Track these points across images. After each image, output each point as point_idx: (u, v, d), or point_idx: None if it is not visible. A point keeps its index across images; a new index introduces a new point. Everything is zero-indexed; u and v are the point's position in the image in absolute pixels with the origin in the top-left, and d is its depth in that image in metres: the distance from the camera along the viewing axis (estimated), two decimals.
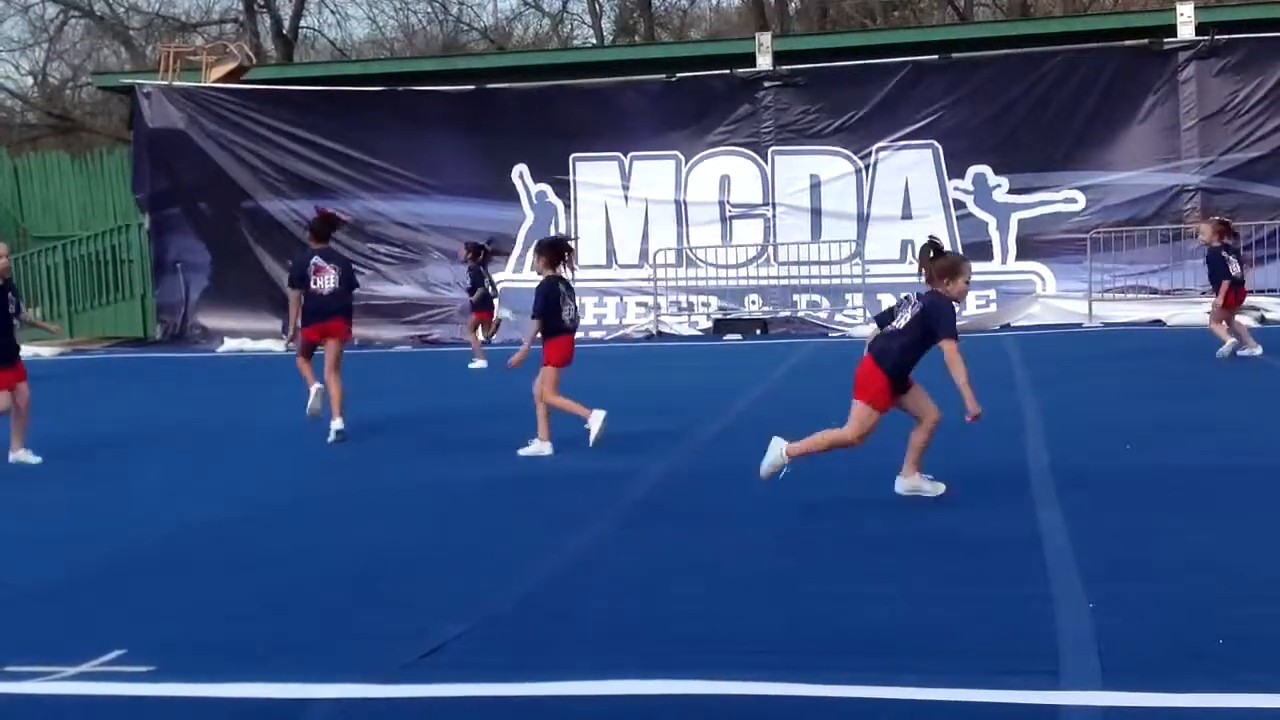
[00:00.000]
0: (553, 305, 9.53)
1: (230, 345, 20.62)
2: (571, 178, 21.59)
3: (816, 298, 20.81)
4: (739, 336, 19.56)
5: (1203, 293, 19.16)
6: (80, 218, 25.53)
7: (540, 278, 9.79)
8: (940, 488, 7.49)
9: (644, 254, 21.25)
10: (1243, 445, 8.93)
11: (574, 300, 9.83)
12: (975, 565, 6.03)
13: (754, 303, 20.95)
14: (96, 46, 44.54)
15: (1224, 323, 14.19)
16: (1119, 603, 5.31)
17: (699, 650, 4.95)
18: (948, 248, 8.17)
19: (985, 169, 20.39)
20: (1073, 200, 20.12)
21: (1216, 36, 19.61)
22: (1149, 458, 8.55)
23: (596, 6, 44.30)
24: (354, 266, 12.25)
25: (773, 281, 20.95)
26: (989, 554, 6.22)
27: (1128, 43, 20.14)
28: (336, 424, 10.67)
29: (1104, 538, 6.41)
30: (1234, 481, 7.69)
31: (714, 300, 21.09)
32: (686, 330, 20.66)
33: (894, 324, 7.46)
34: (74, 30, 44.13)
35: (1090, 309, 19.33)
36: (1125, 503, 7.25)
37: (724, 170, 21.26)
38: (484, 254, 17.48)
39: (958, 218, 20.46)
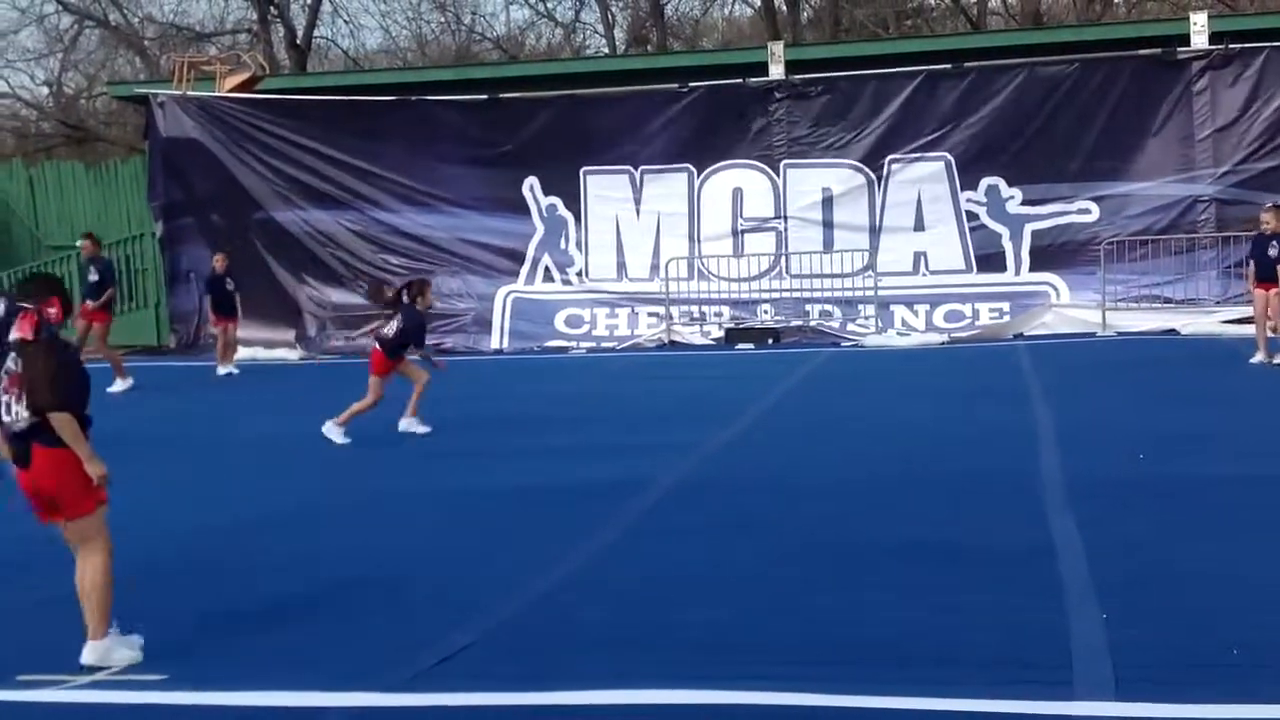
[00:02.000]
0: None
1: (243, 354, 20.64)
2: (582, 190, 21.58)
3: (829, 308, 20.77)
4: (751, 346, 19.55)
5: (1216, 302, 19.18)
6: (94, 227, 25.56)
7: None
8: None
9: (655, 267, 21.20)
10: (1257, 454, 8.90)
11: None
12: (988, 575, 6.02)
13: (766, 312, 20.92)
14: (111, 56, 44.67)
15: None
16: (1132, 613, 5.29)
17: (710, 660, 4.95)
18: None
19: (998, 180, 20.33)
20: (1087, 211, 20.04)
21: (1230, 46, 19.55)
22: (1163, 467, 8.52)
23: (609, 16, 44.34)
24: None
25: (785, 295, 20.91)
26: (1002, 564, 6.21)
27: (1141, 52, 20.08)
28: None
29: (1117, 548, 6.39)
30: (1248, 491, 7.67)
31: (726, 310, 21.06)
32: (699, 340, 20.64)
33: None
34: (89, 40, 44.28)
35: (1104, 318, 19.28)
36: (1139, 513, 7.23)
37: (736, 183, 21.23)
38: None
39: (970, 230, 20.41)
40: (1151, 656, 4.79)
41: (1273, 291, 14.43)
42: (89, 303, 16.58)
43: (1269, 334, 14.49)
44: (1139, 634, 5.03)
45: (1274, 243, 14.51)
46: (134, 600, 6.21)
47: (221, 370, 18.18)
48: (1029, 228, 20.24)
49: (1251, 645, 4.85)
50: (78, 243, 17.35)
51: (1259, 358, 14.32)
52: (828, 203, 20.87)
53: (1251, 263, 14.95)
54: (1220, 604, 5.40)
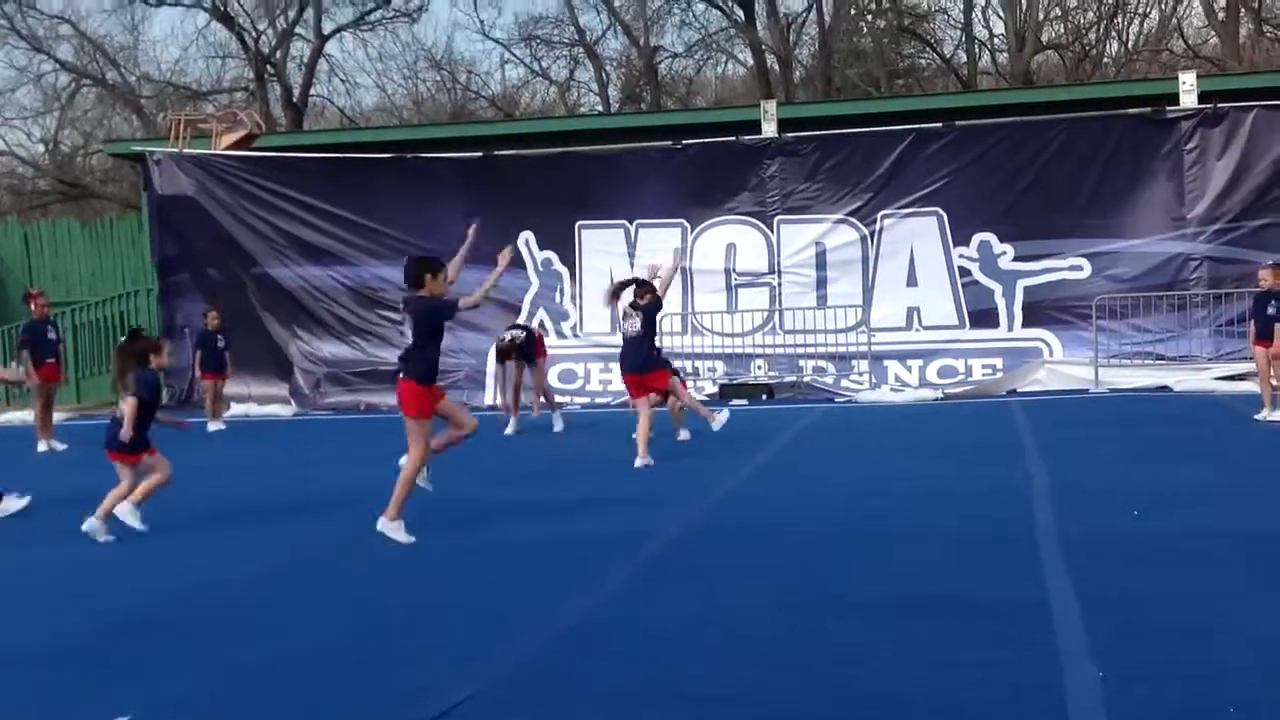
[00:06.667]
0: None
1: (236, 410, 20.66)
2: (578, 244, 21.69)
3: (823, 364, 20.82)
4: (745, 401, 19.57)
5: (1208, 359, 19.25)
6: (89, 283, 25.70)
7: None
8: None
9: None
10: (1251, 510, 8.91)
11: None
12: (984, 630, 6.01)
13: (760, 367, 20.97)
14: (108, 114, 44.97)
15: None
16: (1128, 669, 5.28)
17: (712, 713, 4.94)
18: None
19: (990, 236, 20.46)
20: (1079, 268, 20.16)
21: (1219, 105, 19.73)
22: (1157, 523, 8.52)
23: (603, 74, 44.72)
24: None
25: (778, 351, 20.97)
26: (997, 619, 6.20)
27: (1131, 111, 20.26)
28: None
29: (1112, 603, 6.39)
30: (1242, 547, 7.67)
31: (720, 365, 21.10)
32: (692, 394, 20.63)
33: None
34: (85, 98, 44.59)
35: (1096, 375, 19.34)
36: (1133, 568, 7.23)
37: (730, 238, 21.34)
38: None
39: (963, 285, 20.51)
40: (1147, 713, 4.78)
41: (1272, 349, 14.47)
42: (50, 361, 16.64)
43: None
44: (1134, 691, 5.02)
45: (1274, 301, 14.55)
46: (130, 653, 6.20)
47: (211, 427, 18.25)
48: (1021, 284, 20.35)
49: (1249, 703, 4.84)
50: (33, 302, 17.10)
51: (1265, 414, 14.36)
52: (821, 258, 20.97)
53: (1252, 321, 14.99)
54: (1216, 661, 5.39)
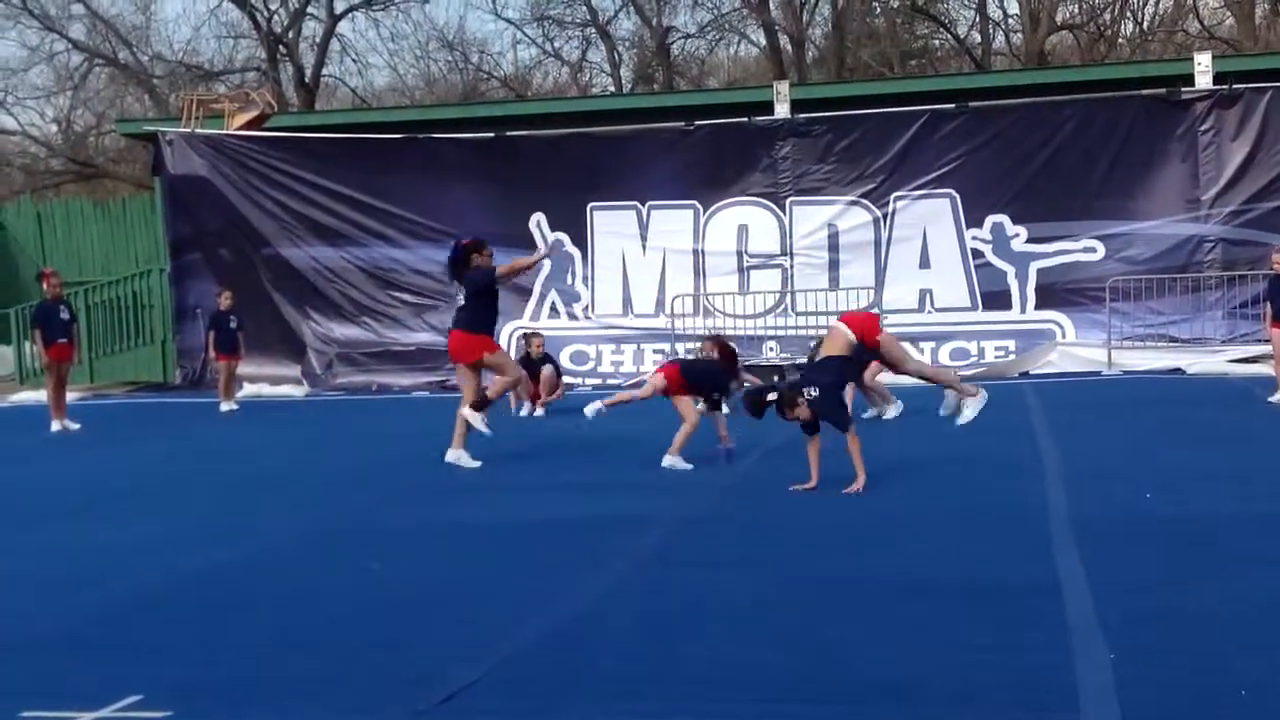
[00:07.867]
0: None
1: (249, 390, 20.68)
2: (589, 225, 21.65)
3: None
4: (757, 383, 19.51)
5: (1222, 341, 19.18)
6: (102, 263, 25.73)
7: None
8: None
9: (660, 303, 21.26)
10: (1263, 493, 8.87)
11: None
12: (993, 613, 5.98)
13: (772, 350, 20.93)
14: (120, 94, 44.95)
15: None
16: (1140, 652, 5.26)
17: (716, 697, 4.92)
18: None
19: (1003, 218, 20.38)
20: (1092, 250, 20.08)
21: (1235, 86, 19.61)
22: (1169, 506, 8.49)
23: (615, 55, 44.58)
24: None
25: (791, 332, 20.92)
26: (1007, 602, 6.18)
27: (1145, 92, 20.16)
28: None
29: (1124, 586, 6.36)
30: (1254, 529, 7.64)
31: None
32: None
33: None
34: (98, 78, 44.58)
35: (1110, 357, 19.27)
36: (1145, 551, 7.20)
37: (742, 219, 21.29)
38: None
39: (976, 267, 20.44)
40: (1158, 697, 4.75)
41: None
42: (62, 341, 16.70)
43: None
44: (1147, 673, 5.00)
45: None
46: (137, 635, 6.20)
47: (224, 407, 18.28)
48: (1034, 266, 20.28)
49: (1260, 686, 4.81)
50: (46, 282, 17.16)
51: (1278, 397, 14.33)
52: (833, 240, 20.92)
53: (1268, 304, 14.94)
54: (1228, 643, 5.37)
